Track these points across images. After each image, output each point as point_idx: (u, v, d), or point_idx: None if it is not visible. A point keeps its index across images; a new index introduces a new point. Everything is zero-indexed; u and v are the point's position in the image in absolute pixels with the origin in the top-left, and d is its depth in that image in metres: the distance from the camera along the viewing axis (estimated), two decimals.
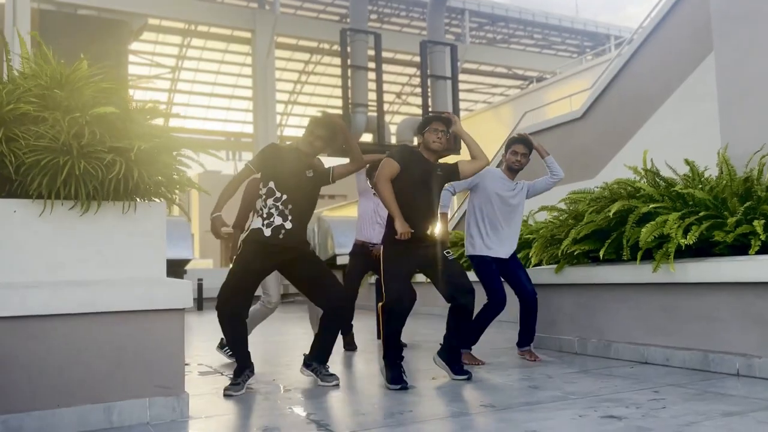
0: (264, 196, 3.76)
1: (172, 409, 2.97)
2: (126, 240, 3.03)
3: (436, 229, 4.38)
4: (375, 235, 5.52)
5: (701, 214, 4.01)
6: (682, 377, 3.71)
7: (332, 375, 3.80)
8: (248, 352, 3.77)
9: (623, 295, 4.56)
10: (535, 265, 5.38)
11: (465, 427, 2.72)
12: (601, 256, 4.44)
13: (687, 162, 4.50)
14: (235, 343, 3.74)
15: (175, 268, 14.43)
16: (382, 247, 3.84)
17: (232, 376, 3.68)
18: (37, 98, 2.94)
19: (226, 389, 3.56)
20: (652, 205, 4.25)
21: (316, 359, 3.87)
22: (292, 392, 3.60)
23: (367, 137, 14.08)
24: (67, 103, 2.96)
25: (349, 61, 13.56)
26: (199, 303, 14.60)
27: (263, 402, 3.36)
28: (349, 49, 13.62)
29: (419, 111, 15.26)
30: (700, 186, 4.32)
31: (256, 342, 5.59)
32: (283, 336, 7.12)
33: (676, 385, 3.48)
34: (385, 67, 14.99)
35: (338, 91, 14.10)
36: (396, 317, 3.71)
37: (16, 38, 14.36)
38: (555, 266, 5.05)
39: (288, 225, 3.70)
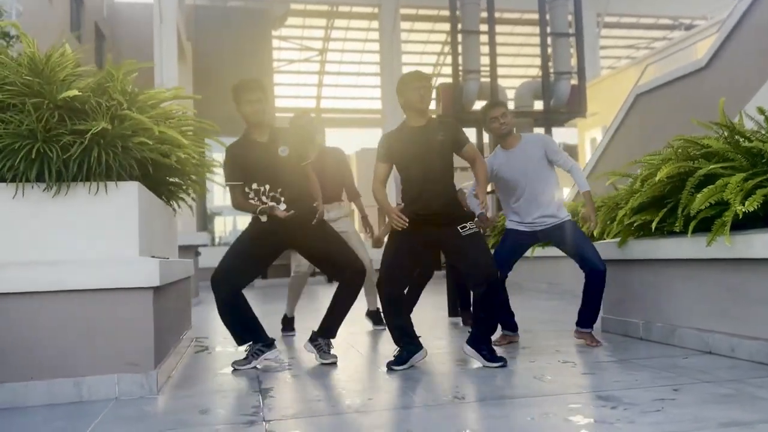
0: (252, 194, 3.67)
1: (141, 386, 3.01)
2: (97, 220, 3.09)
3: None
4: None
5: None
6: (736, 372, 3.08)
7: (331, 354, 3.68)
8: (254, 327, 3.71)
9: (687, 273, 3.88)
10: (599, 239, 4.78)
11: (402, 420, 2.45)
12: (653, 227, 3.81)
13: (760, 110, 3.67)
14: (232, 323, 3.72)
15: None
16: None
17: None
18: (12, 86, 3.07)
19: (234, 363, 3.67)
20: (713, 165, 3.54)
21: (323, 334, 3.76)
22: (272, 372, 3.52)
23: (481, 104, 13.33)
24: (38, 88, 3.06)
25: (459, 26, 13.02)
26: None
27: (231, 380, 3.30)
28: (458, 13, 13.07)
29: (537, 72, 14.23)
30: None
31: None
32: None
33: (714, 382, 2.89)
34: (498, 28, 14.12)
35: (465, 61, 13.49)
36: (385, 300, 3.53)
37: (162, 36, 15.59)
38: (618, 240, 4.43)
39: (282, 204, 3.61)
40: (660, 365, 3.34)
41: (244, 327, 3.68)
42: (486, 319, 3.50)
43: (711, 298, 3.70)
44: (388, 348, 3.89)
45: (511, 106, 13.82)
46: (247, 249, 3.66)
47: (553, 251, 7.35)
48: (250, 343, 3.69)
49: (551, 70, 13.67)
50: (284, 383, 3.25)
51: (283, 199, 3.60)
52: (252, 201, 3.64)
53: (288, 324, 5.28)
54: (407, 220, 3.43)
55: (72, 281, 2.96)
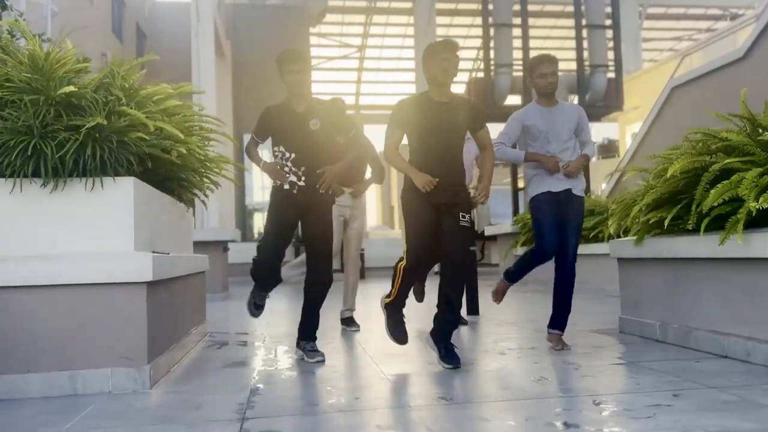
0: (280, 155, 3.70)
1: (134, 380, 3.03)
2: (92, 215, 3.12)
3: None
4: None
5: None
6: (747, 378, 2.91)
7: (317, 351, 3.67)
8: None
9: (703, 273, 3.70)
10: (615, 237, 4.61)
11: (381, 421, 2.39)
12: (665, 225, 3.65)
13: None
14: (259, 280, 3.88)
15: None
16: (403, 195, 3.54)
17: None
18: (12, 83, 3.12)
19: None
20: (728, 160, 3.37)
21: (302, 337, 3.80)
22: (265, 370, 3.50)
23: (513, 99, 13.21)
24: (36, 85, 3.10)
25: (490, 19, 12.79)
26: (362, 272, 15.02)
27: (229, 376, 3.29)
28: (491, 6, 12.84)
29: (573, 66, 13.85)
30: None
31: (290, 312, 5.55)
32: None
33: (719, 387, 2.74)
34: (532, 21, 13.84)
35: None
36: (407, 279, 3.49)
37: (200, 35, 15.81)
38: (635, 237, 4.27)
39: (301, 183, 3.64)
40: (668, 369, 3.19)
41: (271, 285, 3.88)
42: (451, 316, 3.45)
43: (727, 299, 3.52)
44: (391, 347, 3.83)
45: None
46: (276, 216, 3.71)
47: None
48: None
49: (586, 64, 13.33)
50: (278, 381, 3.23)
51: (303, 178, 3.60)
52: (277, 161, 3.70)
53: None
54: (435, 181, 3.32)
55: (65, 275, 2.99)
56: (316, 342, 3.80)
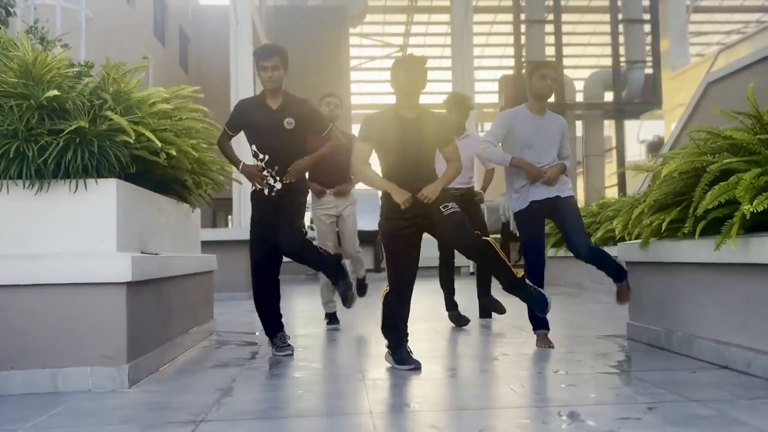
0: (253, 154, 3.72)
1: (113, 379, 3.07)
2: (76, 217, 3.18)
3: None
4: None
5: None
6: (737, 391, 2.75)
7: (287, 346, 3.70)
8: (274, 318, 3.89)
9: (705, 279, 3.53)
10: (619, 240, 4.45)
11: (336, 427, 2.35)
12: (662, 228, 3.49)
13: None
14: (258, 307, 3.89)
15: (368, 239, 15.02)
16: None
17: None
18: (1, 87, 3.21)
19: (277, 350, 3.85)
20: (727, 160, 3.19)
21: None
22: (250, 371, 3.50)
23: None
24: (22, 90, 3.18)
25: (522, 16, 12.55)
26: (378, 265, 14.84)
27: (210, 377, 3.30)
28: (522, 2, 12.60)
29: (608, 62, 13.41)
30: None
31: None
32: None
33: (702, 401, 2.59)
34: (565, 17, 13.50)
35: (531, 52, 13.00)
36: (392, 311, 3.42)
37: (239, 36, 16.06)
38: (640, 241, 4.10)
39: (277, 184, 3.65)
40: (658, 379, 3.05)
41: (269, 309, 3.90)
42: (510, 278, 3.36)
43: (728, 306, 3.35)
44: (381, 351, 3.77)
45: (579, 98, 13.22)
46: (256, 217, 3.78)
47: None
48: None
49: (622, 59, 12.95)
50: (256, 383, 3.22)
51: (278, 179, 3.61)
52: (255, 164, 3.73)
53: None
54: (411, 195, 3.25)
55: (47, 275, 3.05)
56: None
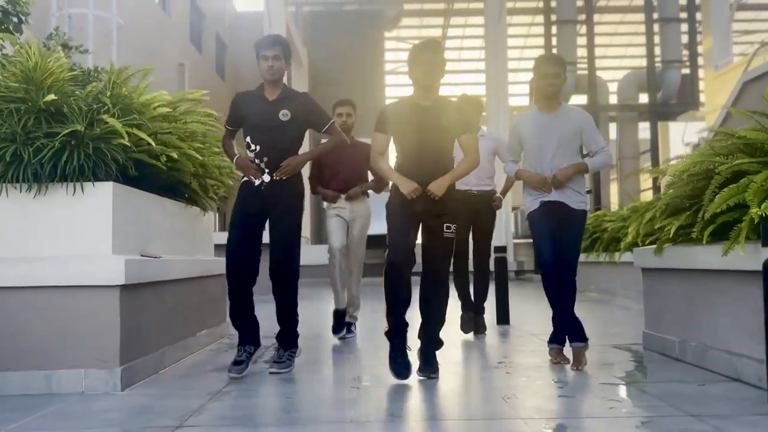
0: (246, 146, 3.61)
1: (106, 382, 3.08)
2: (73, 219, 3.21)
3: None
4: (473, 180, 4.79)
5: None
6: (743, 406, 2.60)
7: (282, 362, 3.49)
8: (248, 327, 3.63)
9: (719, 286, 3.36)
10: (632, 246, 4.28)
11: None
12: (671, 233, 3.33)
13: None
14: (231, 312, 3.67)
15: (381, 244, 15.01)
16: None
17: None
18: (3, 92, 3.26)
19: (228, 370, 3.42)
20: (737, 161, 3.03)
21: (278, 341, 3.66)
22: (246, 376, 3.45)
23: (578, 99, 12.56)
24: (22, 94, 3.23)
25: (553, 17, 12.31)
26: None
27: (206, 380, 3.28)
28: (553, 3, 12.36)
29: (643, 63, 13.00)
30: None
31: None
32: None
33: (699, 416, 2.45)
34: (597, 17, 13.18)
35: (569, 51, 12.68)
36: (390, 282, 3.26)
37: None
38: (654, 246, 3.94)
39: (266, 178, 3.52)
40: (662, 392, 2.90)
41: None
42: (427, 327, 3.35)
43: (740, 316, 3.17)
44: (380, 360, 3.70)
45: (613, 99, 12.88)
46: (240, 208, 3.58)
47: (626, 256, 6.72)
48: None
49: (658, 60, 12.57)
50: (248, 388, 3.18)
51: (267, 170, 3.51)
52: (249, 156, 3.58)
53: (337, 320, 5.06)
54: (421, 189, 3.19)
55: (43, 277, 3.09)
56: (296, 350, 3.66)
